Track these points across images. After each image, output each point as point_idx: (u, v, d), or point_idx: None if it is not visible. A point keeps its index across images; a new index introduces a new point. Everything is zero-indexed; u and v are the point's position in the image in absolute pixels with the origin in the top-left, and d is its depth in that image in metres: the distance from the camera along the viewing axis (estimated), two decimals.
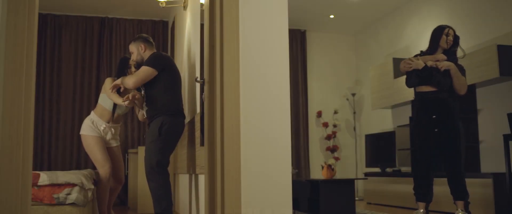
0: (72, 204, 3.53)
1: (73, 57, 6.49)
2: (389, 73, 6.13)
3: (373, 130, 6.96)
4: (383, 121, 6.80)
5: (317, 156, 7.37)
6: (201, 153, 3.14)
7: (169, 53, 6.26)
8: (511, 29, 4.63)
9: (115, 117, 3.87)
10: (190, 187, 3.91)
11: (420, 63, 3.65)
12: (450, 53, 3.71)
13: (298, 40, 7.42)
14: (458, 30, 3.91)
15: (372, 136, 6.42)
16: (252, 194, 2.48)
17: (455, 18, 5.37)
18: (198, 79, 2.94)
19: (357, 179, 5.67)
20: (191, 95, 4.00)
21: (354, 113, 7.41)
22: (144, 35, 3.63)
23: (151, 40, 3.63)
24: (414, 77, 3.68)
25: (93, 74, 6.50)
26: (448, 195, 3.63)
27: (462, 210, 3.50)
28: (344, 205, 4.56)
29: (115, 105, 3.79)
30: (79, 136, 4.39)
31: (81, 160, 6.26)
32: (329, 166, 4.82)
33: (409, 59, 3.74)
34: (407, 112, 5.89)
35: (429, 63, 3.64)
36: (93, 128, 3.77)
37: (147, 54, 3.52)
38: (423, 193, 3.64)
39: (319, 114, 7.37)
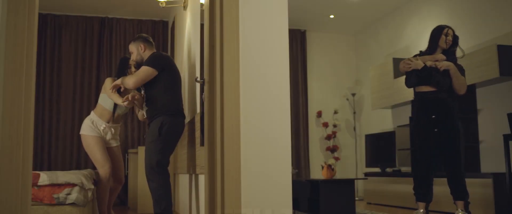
0: (72, 204, 3.53)
1: (73, 57, 6.49)
2: (389, 73, 6.13)
3: (373, 130, 6.96)
4: (383, 121, 6.80)
5: (317, 156, 7.37)
6: (201, 153, 3.14)
7: (169, 53, 6.26)
8: (511, 29, 4.63)
9: (115, 116, 3.87)
10: (190, 187, 3.91)
11: (419, 63, 3.65)
12: (449, 53, 3.71)
13: (298, 40, 7.42)
14: (458, 30, 3.91)
15: (372, 136, 6.42)
16: (252, 194, 2.48)
17: (455, 18, 5.37)
18: (198, 79, 2.94)
19: (357, 179, 5.67)
20: (191, 95, 4.00)
21: (354, 113, 7.41)
22: (144, 35, 3.63)
23: (151, 40, 3.63)
24: (414, 78, 3.68)
25: (93, 74, 6.50)
26: (448, 195, 3.63)
27: (462, 210, 3.50)
28: (344, 205, 4.56)
29: (115, 105, 3.79)
30: (79, 136, 4.39)
31: (81, 160, 6.26)
32: (329, 166, 4.82)
33: (409, 59, 3.74)
34: (407, 112, 5.89)
35: (429, 63, 3.64)
36: (93, 128, 3.77)
37: (146, 54, 3.52)
38: (423, 193, 3.64)
39: (319, 114, 7.37)
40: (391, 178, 5.61)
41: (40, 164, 6.14)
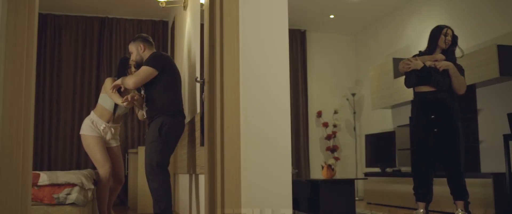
0: (72, 204, 3.53)
1: (73, 57, 6.49)
2: (389, 73, 6.13)
3: (373, 130, 6.96)
4: (383, 121, 6.80)
5: (317, 156, 7.37)
6: (201, 153, 3.14)
7: (169, 53, 6.26)
8: (511, 29, 4.63)
9: (115, 116, 3.87)
10: (190, 187, 3.91)
11: (418, 64, 3.65)
12: (449, 53, 3.71)
13: (298, 40, 7.42)
14: (458, 30, 3.91)
15: (372, 136, 6.42)
16: (252, 194, 2.48)
17: (455, 18, 5.37)
18: (198, 79, 2.94)
19: (357, 179, 5.66)
20: (191, 95, 4.00)
21: (354, 113, 7.41)
22: (144, 35, 3.62)
23: (151, 40, 3.62)
24: (413, 78, 3.68)
25: (93, 74, 6.50)
26: (448, 195, 3.63)
27: (462, 210, 3.50)
28: (344, 205, 4.56)
29: (116, 105, 3.79)
30: (79, 136, 4.39)
31: (81, 160, 6.26)
32: (329, 166, 4.82)
33: (408, 59, 3.74)
34: (407, 112, 5.89)
35: (428, 63, 3.65)
36: (93, 128, 3.77)
37: (146, 54, 3.52)
38: (423, 193, 3.64)
39: (319, 114, 7.37)
40: (391, 178, 5.61)
41: (40, 164, 6.14)
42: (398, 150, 5.79)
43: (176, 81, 3.45)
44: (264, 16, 2.62)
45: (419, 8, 6.11)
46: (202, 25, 3.26)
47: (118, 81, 3.56)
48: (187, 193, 4.11)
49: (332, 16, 6.94)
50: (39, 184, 3.47)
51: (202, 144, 3.09)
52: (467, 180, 3.61)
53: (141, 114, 3.71)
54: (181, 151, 4.35)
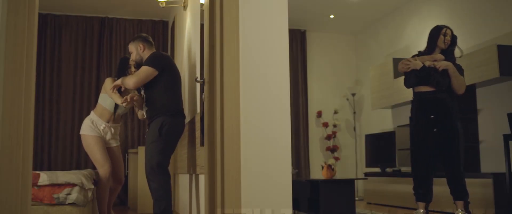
0: (72, 204, 3.53)
1: (73, 57, 6.49)
2: (389, 73, 6.13)
3: (373, 130, 6.96)
4: (383, 121, 6.80)
5: (317, 156, 7.37)
6: (201, 153, 3.14)
7: (169, 53, 6.26)
8: (511, 29, 4.63)
9: (115, 116, 3.87)
10: (190, 187, 3.91)
11: (418, 64, 3.65)
12: (448, 53, 3.71)
13: (298, 40, 7.42)
14: (458, 30, 3.91)
15: (372, 136, 6.42)
16: (252, 194, 2.48)
17: (455, 18, 5.37)
18: (198, 79, 2.94)
19: (357, 179, 5.66)
20: (191, 95, 4.00)
21: (354, 113, 7.41)
22: (144, 34, 3.62)
23: (151, 39, 3.62)
24: (413, 78, 3.68)
25: (93, 74, 6.50)
26: (448, 195, 3.63)
27: (462, 210, 3.50)
28: (344, 205, 4.56)
29: (116, 105, 3.79)
30: (79, 136, 4.39)
31: (81, 160, 6.26)
32: (329, 166, 4.82)
33: (407, 59, 3.74)
34: (407, 112, 5.87)
35: (427, 63, 3.65)
36: (93, 128, 3.77)
37: (146, 54, 3.52)
38: (423, 193, 3.64)
39: (319, 114, 7.38)
40: (391, 178, 5.61)
41: (40, 164, 6.14)
42: (398, 150, 5.79)
43: (176, 81, 3.45)
44: (264, 16, 2.62)
45: (419, 8, 6.11)
46: (202, 25, 3.26)
47: (118, 81, 3.55)
48: (187, 193, 4.11)
49: (332, 16, 6.94)
50: (39, 184, 3.47)
51: (202, 144, 3.09)
52: (467, 180, 3.61)
53: (141, 113, 3.71)
54: (181, 151, 4.35)
